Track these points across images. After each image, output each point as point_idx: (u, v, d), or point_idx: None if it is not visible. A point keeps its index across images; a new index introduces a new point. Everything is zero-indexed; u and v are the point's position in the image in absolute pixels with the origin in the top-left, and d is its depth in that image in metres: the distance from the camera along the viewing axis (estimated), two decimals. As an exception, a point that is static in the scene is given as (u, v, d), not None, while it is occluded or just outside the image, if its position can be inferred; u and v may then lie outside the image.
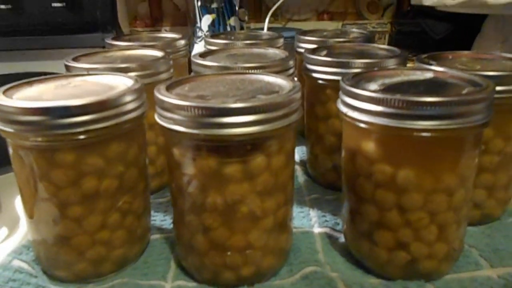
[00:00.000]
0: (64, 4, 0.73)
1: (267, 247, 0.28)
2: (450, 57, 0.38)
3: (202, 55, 0.40)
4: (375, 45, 0.43)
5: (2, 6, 0.72)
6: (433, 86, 0.29)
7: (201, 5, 0.77)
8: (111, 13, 0.75)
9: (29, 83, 0.30)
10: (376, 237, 0.28)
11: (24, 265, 0.30)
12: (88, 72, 0.33)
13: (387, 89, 0.28)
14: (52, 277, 0.30)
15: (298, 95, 0.27)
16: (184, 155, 0.26)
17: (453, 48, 0.39)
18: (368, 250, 0.29)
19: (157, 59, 0.38)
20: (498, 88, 0.30)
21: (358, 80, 0.29)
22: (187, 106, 0.24)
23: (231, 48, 0.45)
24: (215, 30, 0.78)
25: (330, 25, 0.90)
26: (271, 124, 0.25)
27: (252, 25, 0.89)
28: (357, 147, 0.28)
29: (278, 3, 0.83)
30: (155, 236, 0.34)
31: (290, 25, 0.91)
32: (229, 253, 0.27)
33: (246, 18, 0.77)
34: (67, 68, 0.36)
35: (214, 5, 0.77)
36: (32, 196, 0.28)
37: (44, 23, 0.74)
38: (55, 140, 0.26)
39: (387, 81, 0.30)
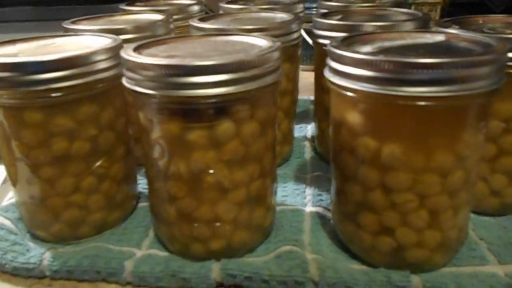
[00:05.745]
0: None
1: (238, 221, 0.26)
2: (481, 21, 0.33)
3: (203, 19, 0.37)
4: (398, 9, 0.39)
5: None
6: (439, 49, 0.24)
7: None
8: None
9: (13, 42, 0.30)
10: (360, 219, 0.25)
11: (7, 222, 0.30)
12: (76, 33, 0.33)
13: (380, 51, 0.24)
14: (34, 236, 0.30)
15: (274, 55, 0.24)
16: (148, 119, 0.25)
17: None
18: (352, 233, 0.26)
19: (154, 22, 0.36)
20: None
21: (351, 43, 0.26)
22: (146, 64, 0.22)
23: (240, 13, 0.42)
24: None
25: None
26: (238, 86, 0.23)
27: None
28: (341, 118, 0.25)
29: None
30: (143, 204, 0.34)
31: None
32: (196, 224, 0.26)
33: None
34: (65, 30, 0.36)
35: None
36: (9, 156, 0.28)
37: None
38: (23, 98, 0.25)
39: (387, 44, 0.26)
